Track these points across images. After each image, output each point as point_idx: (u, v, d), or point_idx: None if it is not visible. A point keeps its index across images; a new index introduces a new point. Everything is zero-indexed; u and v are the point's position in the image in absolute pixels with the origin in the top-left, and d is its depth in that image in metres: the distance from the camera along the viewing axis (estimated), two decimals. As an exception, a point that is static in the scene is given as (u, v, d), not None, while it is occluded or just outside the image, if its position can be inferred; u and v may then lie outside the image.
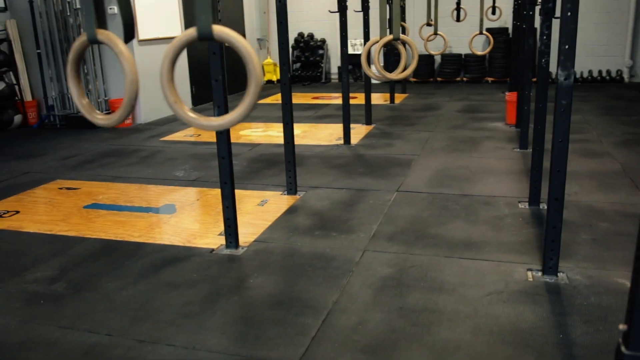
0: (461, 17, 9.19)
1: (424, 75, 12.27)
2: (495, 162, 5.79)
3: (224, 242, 3.91)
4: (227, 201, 3.83)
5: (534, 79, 11.41)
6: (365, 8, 7.67)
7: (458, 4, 9.33)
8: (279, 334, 2.82)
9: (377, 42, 3.43)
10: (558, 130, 3.21)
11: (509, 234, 3.97)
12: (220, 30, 1.62)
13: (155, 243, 4.01)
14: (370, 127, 7.69)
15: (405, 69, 3.95)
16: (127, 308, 3.10)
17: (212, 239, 4.05)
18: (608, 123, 7.62)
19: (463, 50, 11.99)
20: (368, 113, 7.83)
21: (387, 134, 7.30)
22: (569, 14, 3.04)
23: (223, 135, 3.79)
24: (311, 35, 12.98)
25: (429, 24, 8.09)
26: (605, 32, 11.55)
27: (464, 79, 12.14)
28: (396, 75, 3.47)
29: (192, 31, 1.62)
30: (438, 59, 12.32)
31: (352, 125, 7.55)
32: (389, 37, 3.44)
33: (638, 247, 1.34)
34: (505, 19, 10.96)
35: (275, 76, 13.03)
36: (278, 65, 13.08)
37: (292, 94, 11.40)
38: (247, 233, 4.12)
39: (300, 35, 13.01)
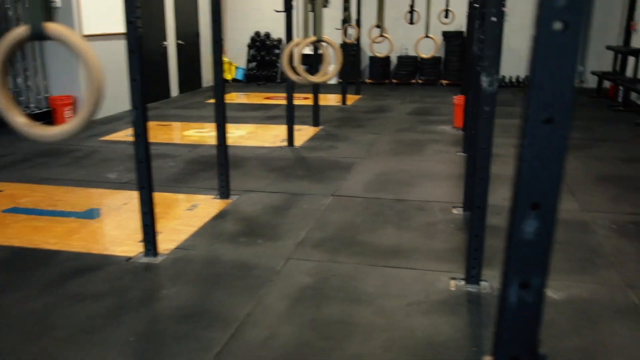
0: (414, 20, 9.17)
1: (380, 76, 12.22)
2: (436, 166, 5.72)
3: (143, 249, 3.72)
4: (145, 207, 3.65)
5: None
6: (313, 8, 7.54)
7: (411, 6, 9.31)
8: (181, 350, 2.66)
9: (299, 43, 3.29)
10: (481, 137, 3.13)
11: (439, 240, 3.89)
12: (54, 28, 1.45)
13: (71, 251, 3.79)
14: (317, 129, 7.57)
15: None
16: (24, 323, 2.90)
17: (132, 246, 3.85)
18: (554, 127, 7.64)
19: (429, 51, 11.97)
20: (316, 114, 7.71)
21: (333, 136, 7.19)
22: (493, 19, 2.95)
23: (141, 138, 3.60)
24: (268, 35, 12.81)
25: (377, 26, 8.01)
26: (557, 37, 11.65)
27: (419, 81, 12.14)
28: (318, 78, 3.34)
29: (24, 30, 1.46)
30: (394, 60, 12.29)
31: (298, 127, 7.44)
32: (312, 38, 3.31)
33: (504, 262, 1.23)
34: (461, 22, 10.98)
35: (230, 75, 12.81)
36: (233, 64, 12.90)
37: (246, 93, 11.26)
38: (170, 240, 3.94)
39: (257, 34, 12.83)
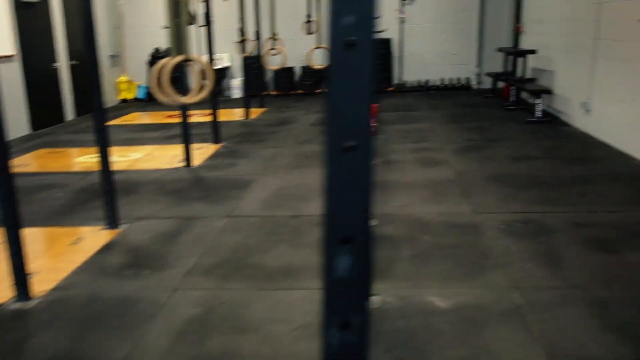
0: (312, 30, 9.19)
1: (285, 88, 12.18)
2: (335, 178, 5.68)
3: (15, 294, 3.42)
4: (14, 247, 3.36)
5: (391, 88, 11.69)
6: (208, 22, 7.39)
7: (309, 17, 9.34)
8: (45, 406, 2.43)
9: (166, 63, 3.14)
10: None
11: (332, 256, 3.82)
12: None
13: None
14: (218, 146, 7.38)
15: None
16: None
17: (3, 291, 3.54)
18: (452, 130, 7.86)
19: (323, 62, 12.03)
20: (216, 131, 7.53)
21: (234, 152, 7.03)
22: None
23: (3, 173, 3.30)
24: (168, 51, 12.46)
25: (273, 39, 7.92)
26: (455, 43, 12.09)
27: (325, 90, 12.18)
28: (190, 98, 3.21)
29: None
30: (298, 71, 12.29)
31: (199, 146, 7.25)
32: (180, 57, 3.17)
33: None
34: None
35: (130, 94, 12.37)
36: (133, 82, 12.46)
37: (148, 113, 10.87)
38: (48, 280, 3.66)
39: (157, 50, 12.46)
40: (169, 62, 3.03)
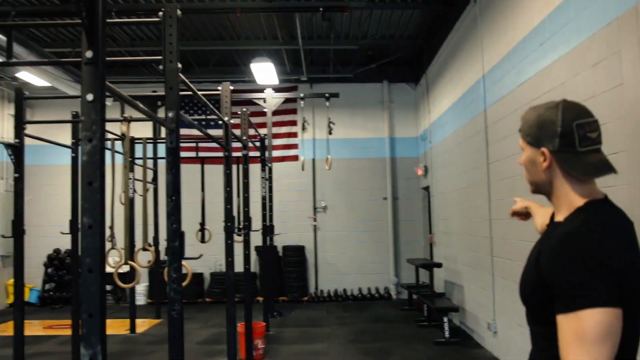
0: (206, 238, 8.73)
1: (193, 295, 11.30)
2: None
3: None
4: None
5: (306, 298, 10.92)
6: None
7: (202, 224, 8.92)
8: None
9: None
10: None
11: None
12: None
13: None
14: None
15: None
16: None
17: None
18: (349, 354, 7.01)
19: (237, 268, 11.35)
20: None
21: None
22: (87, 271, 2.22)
23: None
24: (69, 253, 11.68)
25: (143, 249, 6.78)
26: (370, 251, 11.77)
27: (236, 298, 11.35)
28: None
29: None
30: (208, 277, 11.58)
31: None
32: None
33: None
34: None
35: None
36: (26, 285, 11.35)
37: (28, 321, 9.67)
38: None
39: (56, 251, 11.66)
40: None
